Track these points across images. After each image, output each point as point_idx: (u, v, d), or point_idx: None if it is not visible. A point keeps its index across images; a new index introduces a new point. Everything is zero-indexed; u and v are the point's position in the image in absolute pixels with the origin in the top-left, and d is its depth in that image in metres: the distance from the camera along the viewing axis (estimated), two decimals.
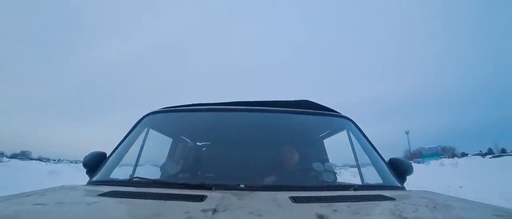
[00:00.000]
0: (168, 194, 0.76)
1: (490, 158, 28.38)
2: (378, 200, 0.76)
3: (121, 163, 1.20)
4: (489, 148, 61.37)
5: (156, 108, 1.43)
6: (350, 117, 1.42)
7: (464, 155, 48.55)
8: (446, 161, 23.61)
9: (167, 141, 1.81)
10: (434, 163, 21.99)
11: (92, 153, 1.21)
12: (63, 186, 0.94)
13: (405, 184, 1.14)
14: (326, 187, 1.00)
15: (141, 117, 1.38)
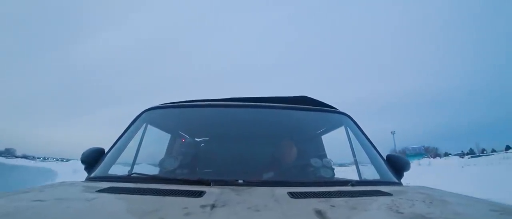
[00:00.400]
0: (166, 190, 0.76)
1: (468, 158, 29.30)
2: (376, 196, 0.76)
3: (119, 159, 1.19)
4: (471, 148, 63.37)
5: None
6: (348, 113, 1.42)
7: (446, 155, 49.99)
8: (423, 161, 24.70)
9: (165, 137, 1.80)
10: (416, 162, 22.81)
11: (90, 149, 1.19)
12: (62, 182, 0.94)
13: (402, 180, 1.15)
14: (324, 183, 1.00)
15: (140, 113, 1.36)
